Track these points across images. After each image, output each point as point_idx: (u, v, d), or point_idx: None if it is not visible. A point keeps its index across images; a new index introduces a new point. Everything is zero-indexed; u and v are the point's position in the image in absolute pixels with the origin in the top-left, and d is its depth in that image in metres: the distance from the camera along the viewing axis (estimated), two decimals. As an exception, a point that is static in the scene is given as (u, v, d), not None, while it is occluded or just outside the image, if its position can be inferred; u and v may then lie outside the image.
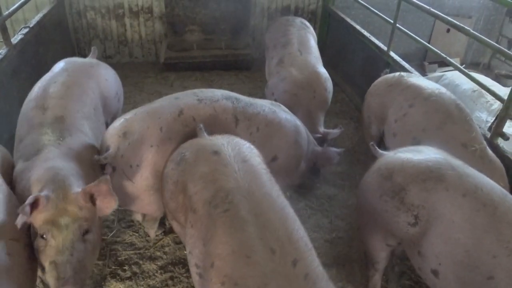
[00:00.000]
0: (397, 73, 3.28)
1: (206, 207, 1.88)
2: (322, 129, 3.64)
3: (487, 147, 2.63)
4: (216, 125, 2.57)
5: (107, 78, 3.17)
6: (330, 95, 3.80)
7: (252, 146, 2.25)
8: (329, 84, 3.79)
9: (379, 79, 3.35)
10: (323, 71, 3.81)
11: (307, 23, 4.58)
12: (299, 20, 4.54)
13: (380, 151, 2.48)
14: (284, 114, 2.89)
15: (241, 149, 2.14)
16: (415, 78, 3.14)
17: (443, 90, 2.96)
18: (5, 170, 2.28)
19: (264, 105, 2.83)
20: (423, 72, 5.98)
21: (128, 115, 2.58)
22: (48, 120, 2.50)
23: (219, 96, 2.70)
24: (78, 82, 2.86)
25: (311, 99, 3.62)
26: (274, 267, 1.61)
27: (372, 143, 2.56)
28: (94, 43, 5.71)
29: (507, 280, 1.82)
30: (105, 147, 2.48)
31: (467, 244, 1.92)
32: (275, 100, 3.47)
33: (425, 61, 6.54)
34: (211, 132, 2.41)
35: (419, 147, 2.38)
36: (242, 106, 2.70)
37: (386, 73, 3.46)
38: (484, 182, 2.06)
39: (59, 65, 3.08)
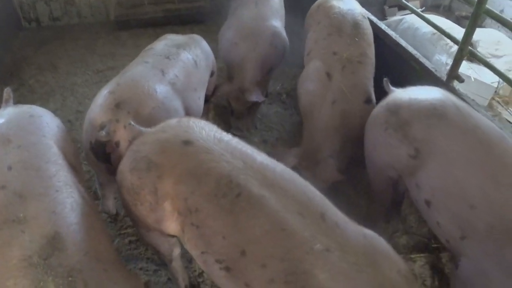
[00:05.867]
0: None
1: (213, 201, 1.74)
2: (253, 90, 3.40)
3: (357, 60, 2.87)
4: (191, 75, 2.82)
5: None
6: (276, 51, 3.51)
7: (205, 121, 2.06)
8: (277, 40, 3.51)
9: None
10: (273, 24, 3.55)
11: None
12: None
13: (392, 87, 2.55)
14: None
15: (204, 129, 1.96)
16: (337, 0, 3.34)
17: (352, 10, 3.20)
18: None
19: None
20: (383, 17, 5.88)
21: (109, 89, 2.44)
22: None
23: (173, 50, 2.86)
24: None
25: (250, 51, 3.39)
26: (310, 229, 1.65)
27: (386, 79, 2.60)
28: (39, 6, 5.36)
29: (487, 210, 1.97)
30: (95, 127, 2.32)
31: (459, 176, 2.06)
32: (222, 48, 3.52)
33: (385, 5, 6.42)
34: (189, 78, 2.75)
35: (429, 87, 2.45)
36: (193, 51, 2.98)
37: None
38: (485, 123, 2.17)
39: None
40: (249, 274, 1.69)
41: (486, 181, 2.01)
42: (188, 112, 2.73)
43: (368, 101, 2.78)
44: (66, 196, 1.80)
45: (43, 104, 3.95)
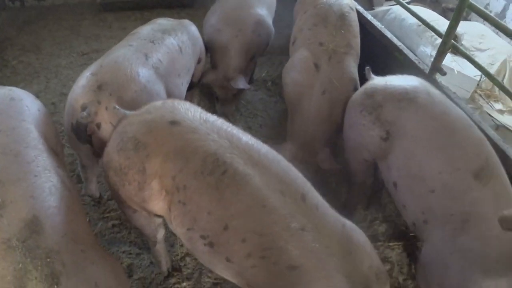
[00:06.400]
0: None
1: (200, 178, 1.80)
2: (237, 78, 3.40)
3: (342, 51, 2.90)
4: (174, 61, 2.83)
5: None
6: (259, 39, 3.50)
7: (189, 103, 2.10)
8: (260, 28, 3.50)
9: None
10: (258, 12, 3.54)
11: None
12: None
13: (373, 75, 2.63)
14: None
15: (190, 110, 2.00)
16: None
17: (339, 1, 3.17)
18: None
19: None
20: (370, 6, 5.90)
21: (91, 70, 2.45)
22: None
23: (158, 34, 2.86)
24: None
25: (233, 38, 3.38)
26: (289, 207, 1.73)
27: (368, 67, 2.69)
28: (22, -16, 5.26)
29: (445, 195, 2.07)
30: (77, 108, 2.32)
31: (422, 160, 2.15)
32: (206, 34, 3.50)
33: (373, -6, 6.43)
34: (173, 64, 2.77)
35: (409, 76, 2.53)
36: (179, 36, 2.98)
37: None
38: (455, 111, 2.25)
39: None
40: (230, 248, 1.78)
41: (446, 167, 2.09)
42: (170, 97, 2.72)
43: (355, 89, 2.82)
44: (45, 181, 1.82)
45: (26, 86, 3.93)
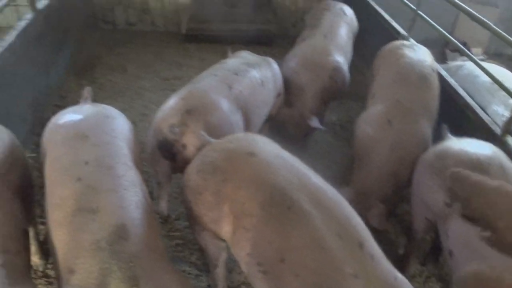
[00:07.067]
0: (400, 41, 3.72)
1: (266, 209, 1.93)
2: (312, 118, 3.56)
3: (418, 112, 2.93)
4: (255, 93, 3.05)
5: None
6: (335, 85, 3.65)
7: (267, 138, 2.29)
8: (338, 74, 3.65)
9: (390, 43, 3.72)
10: (336, 59, 3.70)
11: (348, 11, 4.46)
12: (339, 7, 4.45)
13: (449, 134, 2.67)
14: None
15: (267, 145, 2.19)
16: (410, 49, 3.47)
17: (422, 61, 3.28)
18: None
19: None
20: (444, 60, 5.91)
21: (181, 95, 2.73)
22: None
23: (243, 67, 3.12)
24: None
25: (310, 81, 3.55)
26: (345, 252, 1.78)
27: (444, 125, 2.76)
28: (117, 10, 5.77)
29: None
30: (165, 127, 2.57)
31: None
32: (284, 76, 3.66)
33: (447, 48, 6.44)
34: (254, 96, 2.98)
35: (485, 142, 2.52)
36: (263, 71, 3.22)
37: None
38: None
39: None
40: (283, 280, 1.86)
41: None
42: (249, 126, 2.96)
43: (425, 150, 2.80)
44: (132, 195, 2.02)
45: (112, 103, 4.18)
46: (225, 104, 2.76)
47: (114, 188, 1.99)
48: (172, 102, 2.72)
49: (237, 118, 2.84)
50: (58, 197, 1.94)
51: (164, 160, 2.68)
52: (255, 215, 1.95)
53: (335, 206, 1.95)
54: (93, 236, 1.76)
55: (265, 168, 2.03)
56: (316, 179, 2.06)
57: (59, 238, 1.82)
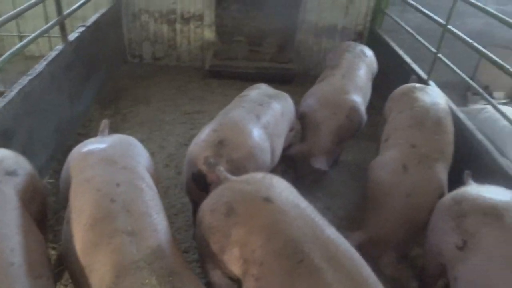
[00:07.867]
0: (411, 84, 3.71)
1: (278, 259, 1.90)
2: (318, 157, 3.56)
3: (433, 157, 2.91)
4: (278, 123, 3.14)
5: None
6: (351, 124, 3.64)
7: (285, 182, 2.25)
8: (354, 114, 3.64)
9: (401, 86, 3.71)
10: (353, 99, 3.70)
11: (368, 53, 4.51)
12: (359, 48, 4.51)
13: (470, 180, 2.64)
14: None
15: (285, 191, 2.16)
16: (422, 92, 3.47)
17: (436, 105, 3.30)
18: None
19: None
20: (466, 103, 5.89)
21: (212, 127, 2.78)
22: None
23: (265, 98, 3.24)
24: None
25: (327, 119, 3.58)
26: None
27: (468, 171, 2.71)
28: (145, 45, 5.99)
29: None
30: (199, 159, 2.59)
31: (493, 281, 2.03)
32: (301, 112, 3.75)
33: (469, 91, 6.42)
34: (276, 126, 3.06)
35: (505, 189, 2.47)
36: (282, 102, 3.34)
37: (414, 80, 3.91)
38: None
39: None
40: None
41: None
42: (273, 154, 3.03)
43: (441, 197, 2.76)
44: (162, 219, 2.12)
45: (132, 133, 4.33)
46: (256, 133, 2.84)
47: (147, 212, 2.07)
48: (203, 135, 2.77)
49: (267, 146, 2.91)
50: (92, 218, 1.99)
51: (199, 191, 2.69)
52: (265, 264, 1.91)
53: (346, 260, 1.89)
54: (131, 257, 1.84)
55: (280, 217, 2.00)
56: (330, 231, 2.02)
57: (96, 259, 1.87)
